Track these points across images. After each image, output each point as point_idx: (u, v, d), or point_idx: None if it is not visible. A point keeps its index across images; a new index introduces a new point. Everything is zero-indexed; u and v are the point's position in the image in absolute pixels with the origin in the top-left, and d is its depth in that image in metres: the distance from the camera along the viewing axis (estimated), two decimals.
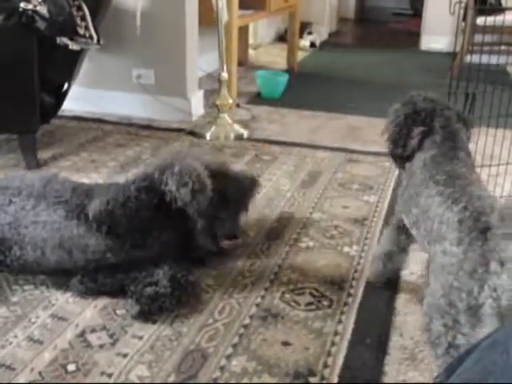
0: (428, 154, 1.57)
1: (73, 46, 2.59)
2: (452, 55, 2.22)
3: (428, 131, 1.61)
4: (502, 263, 1.22)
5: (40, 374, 1.43)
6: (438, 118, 1.61)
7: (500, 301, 1.24)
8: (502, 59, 2.84)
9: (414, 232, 1.59)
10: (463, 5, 2.28)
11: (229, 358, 1.51)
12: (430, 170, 1.53)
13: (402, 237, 1.73)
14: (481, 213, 1.31)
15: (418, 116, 1.63)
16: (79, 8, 2.64)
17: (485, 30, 2.58)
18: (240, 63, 4.47)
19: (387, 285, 1.83)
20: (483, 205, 1.34)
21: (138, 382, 1.42)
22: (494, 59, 2.49)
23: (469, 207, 1.34)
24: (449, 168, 1.50)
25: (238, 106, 3.75)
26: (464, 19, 4.56)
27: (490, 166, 2.36)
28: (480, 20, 4.23)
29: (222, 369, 1.47)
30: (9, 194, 1.89)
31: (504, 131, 2.40)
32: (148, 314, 1.65)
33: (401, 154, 1.66)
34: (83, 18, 2.66)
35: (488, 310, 1.25)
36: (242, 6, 3.89)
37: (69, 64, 2.82)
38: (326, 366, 1.49)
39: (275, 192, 2.52)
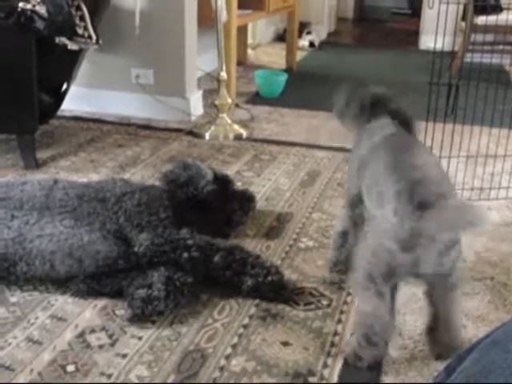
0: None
1: (72, 46, 2.59)
2: (438, 54, 2.23)
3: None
4: (433, 240, 1.33)
5: (39, 374, 1.43)
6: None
7: (418, 269, 1.37)
8: (500, 58, 2.85)
9: (366, 198, 1.64)
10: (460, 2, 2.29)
11: (228, 358, 1.51)
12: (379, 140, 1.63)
13: (356, 211, 1.78)
14: (417, 186, 1.37)
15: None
16: (78, 8, 2.64)
17: (477, 28, 2.59)
18: (239, 63, 4.47)
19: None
20: (422, 179, 1.41)
21: (137, 382, 1.42)
22: (493, 58, 2.51)
23: (407, 180, 1.40)
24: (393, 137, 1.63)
25: (237, 105, 3.75)
26: (463, 19, 4.57)
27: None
28: (480, 19, 4.22)
29: (221, 369, 1.47)
30: (10, 207, 1.88)
31: (490, 129, 2.44)
32: (142, 317, 1.63)
33: None
34: (82, 18, 2.66)
35: (402, 272, 1.40)
36: (241, 5, 3.89)
37: (68, 64, 2.81)
38: (325, 365, 1.49)
39: (274, 192, 2.52)
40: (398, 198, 1.38)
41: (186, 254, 1.77)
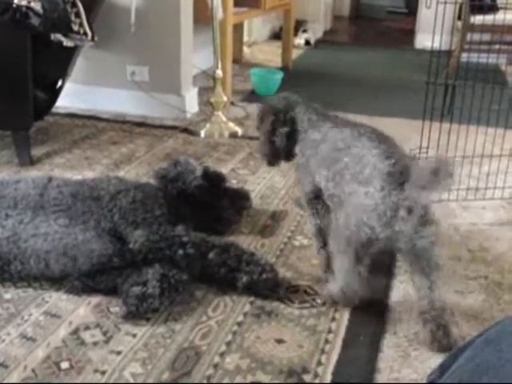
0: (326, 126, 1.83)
1: (67, 43, 2.58)
2: (435, 53, 2.24)
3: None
4: (410, 211, 1.43)
5: (33, 371, 1.43)
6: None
7: (397, 243, 1.49)
8: (496, 57, 2.85)
9: (334, 181, 1.66)
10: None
11: (222, 355, 1.51)
12: (353, 130, 1.68)
13: (321, 203, 1.83)
14: (406, 169, 1.46)
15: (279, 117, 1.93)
16: (73, 4, 2.63)
17: (474, 28, 2.60)
18: (235, 61, 4.46)
19: None
20: (408, 162, 1.51)
21: (131, 379, 1.42)
22: (488, 58, 2.51)
23: (398, 163, 1.49)
24: (367, 128, 1.69)
25: (232, 103, 3.75)
26: (459, 18, 4.57)
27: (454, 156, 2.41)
28: (477, 19, 4.22)
29: (215, 366, 1.47)
30: (4, 206, 1.87)
31: (487, 128, 2.45)
32: (137, 314, 1.62)
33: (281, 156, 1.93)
34: (77, 15, 2.65)
35: (381, 246, 1.51)
36: (237, 3, 3.88)
37: (63, 61, 2.81)
38: (319, 363, 1.49)
39: (269, 189, 2.52)
40: (387, 178, 1.47)
41: (181, 251, 1.77)
